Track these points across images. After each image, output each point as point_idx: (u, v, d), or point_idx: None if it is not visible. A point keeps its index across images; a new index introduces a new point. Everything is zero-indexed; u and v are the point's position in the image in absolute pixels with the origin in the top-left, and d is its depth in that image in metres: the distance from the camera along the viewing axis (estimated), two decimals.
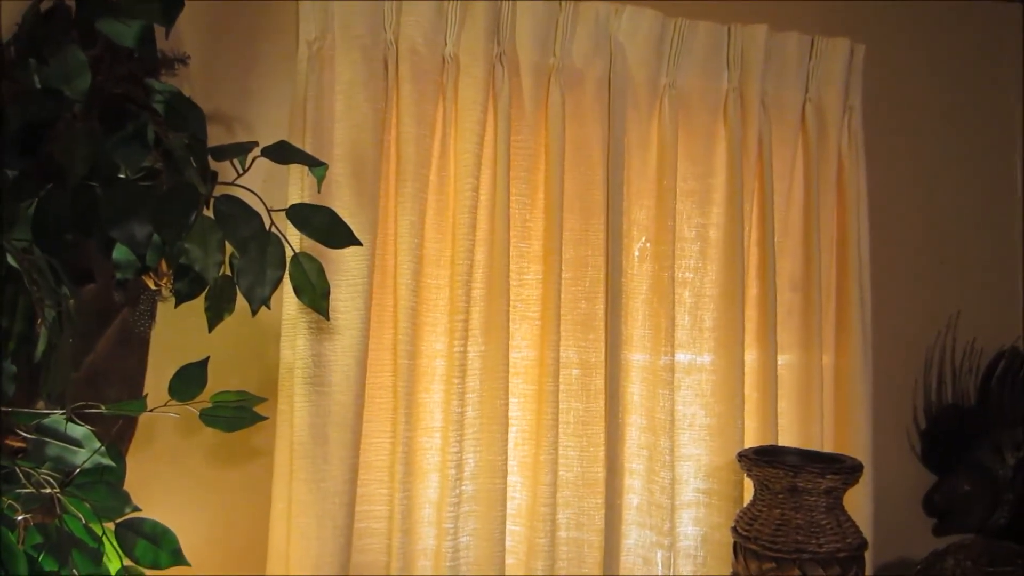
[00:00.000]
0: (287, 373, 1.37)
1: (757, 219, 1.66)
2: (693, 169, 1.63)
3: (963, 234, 1.96)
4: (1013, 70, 2.03)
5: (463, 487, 1.41)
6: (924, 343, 1.91)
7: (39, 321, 0.91)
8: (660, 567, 1.53)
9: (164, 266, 1.24)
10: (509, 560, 1.45)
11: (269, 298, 0.98)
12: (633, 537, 1.56)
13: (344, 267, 1.35)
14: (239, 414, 1.17)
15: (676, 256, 1.59)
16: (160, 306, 1.36)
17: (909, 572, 1.67)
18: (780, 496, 1.30)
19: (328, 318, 1.08)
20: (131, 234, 0.88)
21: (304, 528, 1.31)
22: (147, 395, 1.22)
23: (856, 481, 1.32)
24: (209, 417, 1.16)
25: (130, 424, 1.34)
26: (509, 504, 1.45)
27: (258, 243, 0.93)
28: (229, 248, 1.03)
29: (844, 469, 1.29)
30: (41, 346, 0.91)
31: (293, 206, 1.03)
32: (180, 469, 1.40)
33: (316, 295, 1.04)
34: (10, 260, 0.89)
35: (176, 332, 1.31)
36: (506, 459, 1.41)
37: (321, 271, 1.04)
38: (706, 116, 1.63)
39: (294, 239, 1.17)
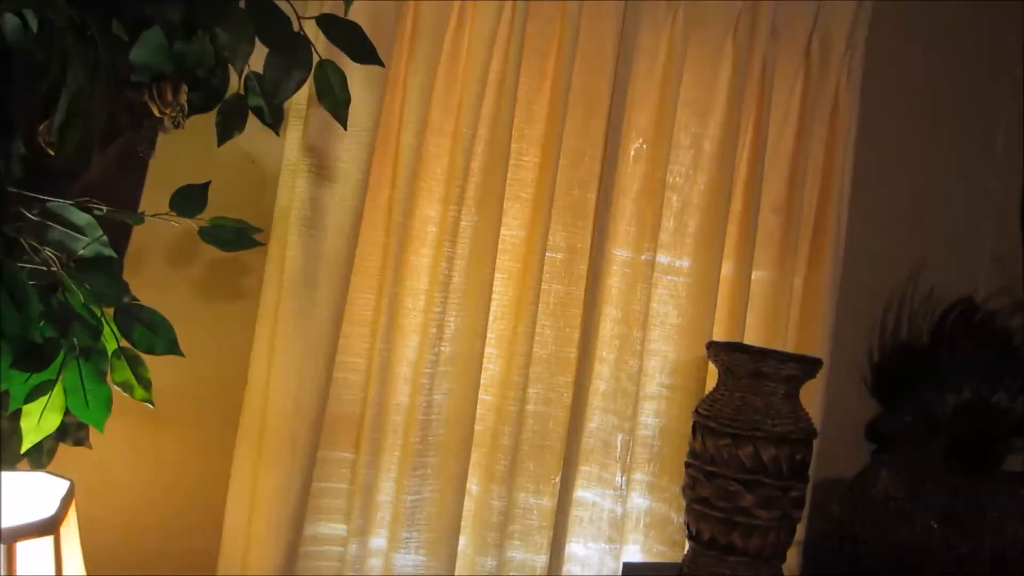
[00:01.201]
0: (282, 216, 1.39)
1: (751, 139, 1.71)
2: (697, 81, 1.68)
3: (939, 188, 2.05)
4: (1013, 41, 2.11)
5: (442, 347, 1.46)
6: (888, 283, 2.00)
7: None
8: (619, 450, 1.60)
9: (169, 95, 1.25)
10: (478, 427, 1.50)
11: (291, 95, 1.01)
12: (597, 421, 1.63)
13: (351, 120, 1.36)
14: (237, 236, 1.19)
15: (669, 161, 1.64)
16: (160, 139, 1.37)
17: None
18: (743, 380, 1.37)
19: (346, 127, 1.10)
20: (164, 13, 0.89)
21: (286, 365, 1.34)
22: (143, 212, 1.23)
23: (815, 374, 1.40)
24: (208, 234, 1.18)
25: (120, 245, 1.36)
26: (483, 374, 1.50)
27: (287, 41, 0.95)
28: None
29: (806, 359, 1.37)
30: (60, 114, 0.92)
31: (323, 15, 1.04)
32: (166, 300, 1.41)
33: (337, 102, 1.06)
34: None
35: (175, 163, 1.32)
36: (486, 325, 1.46)
37: (344, 82, 1.06)
38: (717, 32, 1.67)
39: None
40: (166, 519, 1.39)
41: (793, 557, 1.71)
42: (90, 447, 1.17)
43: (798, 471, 1.36)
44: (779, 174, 1.76)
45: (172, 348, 1.03)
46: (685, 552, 1.48)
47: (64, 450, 1.15)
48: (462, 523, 1.48)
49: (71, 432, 1.17)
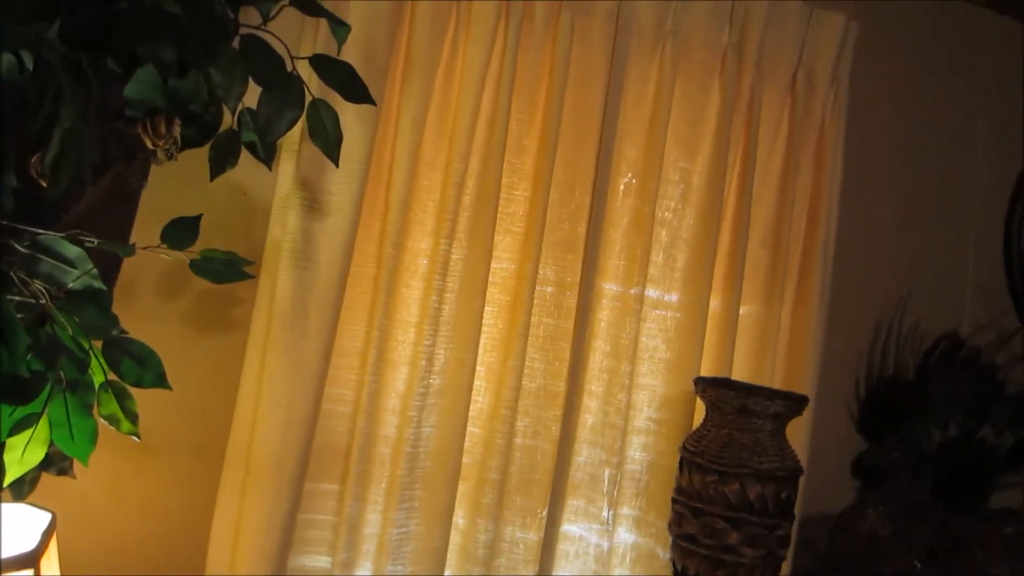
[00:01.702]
0: (273, 249, 1.39)
1: (739, 172, 1.73)
2: (685, 115, 1.70)
3: (924, 223, 2.09)
4: (990, 79, 2.15)
5: (431, 380, 1.46)
6: (874, 318, 2.02)
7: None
8: (606, 484, 1.60)
9: (163, 128, 1.26)
10: (465, 460, 1.50)
11: (284, 134, 1.02)
12: (584, 455, 1.63)
13: (343, 155, 1.37)
14: (228, 268, 1.20)
15: (658, 195, 1.66)
16: (153, 171, 1.38)
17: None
18: (730, 417, 1.38)
19: (338, 165, 1.11)
20: (157, 53, 0.90)
21: (275, 396, 1.34)
22: (134, 244, 1.24)
23: (801, 412, 1.41)
24: (199, 267, 1.18)
25: (111, 277, 1.36)
26: (472, 407, 1.50)
27: (280, 81, 0.96)
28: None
29: (792, 396, 1.38)
30: (54, 149, 0.93)
31: (316, 55, 1.05)
32: (155, 332, 1.41)
33: (329, 140, 1.07)
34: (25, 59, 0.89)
35: (167, 195, 1.33)
36: (475, 358, 1.47)
37: (336, 120, 1.07)
38: (703, 67, 1.70)
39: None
40: (149, 550, 1.38)
41: None
42: (74, 477, 1.17)
43: (784, 509, 1.36)
44: (766, 208, 1.78)
45: (160, 381, 1.03)
46: None
47: (47, 480, 1.14)
48: (448, 556, 1.47)
49: (55, 462, 1.16)
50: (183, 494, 1.40)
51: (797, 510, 1.64)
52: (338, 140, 1.07)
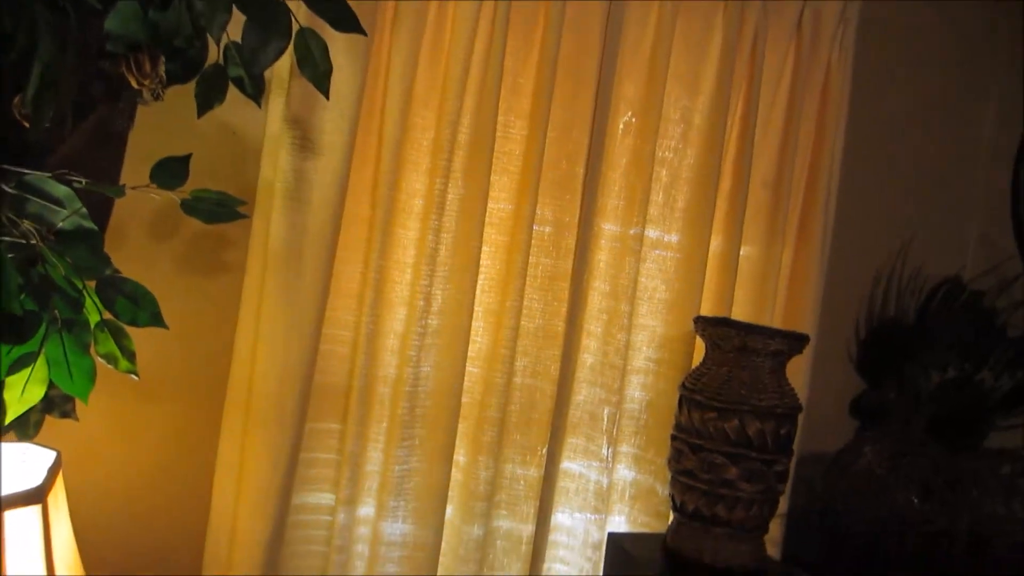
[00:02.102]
0: (266, 189, 1.38)
1: (741, 112, 1.70)
2: (686, 54, 1.66)
3: (930, 166, 2.06)
4: (1000, 22, 2.10)
5: (429, 320, 1.46)
6: (876, 261, 2.01)
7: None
8: (605, 422, 1.61)
9: (147, 65, 1.23)
10: (465, 399, 1.51)
11: (270, 64, 0.99)
12: (583, 394, 1.64)
13: (334, 91, 1.35)
14: (219, 208, 1.18)
15: (659, 135, 1.63)
16: (140, 111, 1.36)
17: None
18: (729, 355, 1.38)
19: (328, 97, 1.09)
20: None
21: (272, 337, 1.34)
22: (124, 184, 1.22)
23: (801, 350, 1.40)
24: (190, 207, 1.17)
25: (102, 220, 1.35)
26: (471, 347, 1.50)
27: (266, 9, 0.93)
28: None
29: (792, 335, 1.38)
30: (33, 85, 0.91)
31: None
32: (149, 275, 1.41)
33: (319, 72, 1.05)
34: None
35: (155, 136, 1.31)
36: (473, 298, 1.46)
37: (326, 50, 1.05)
38: (707, 4, 1.65)
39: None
40: (153, 491, 1.40)
41: (775, 529, 1.73)
42: (76, 419, 1.17)
43: (783, 445, 1.37)
44: (769, 149, 1.75)
45: (155, 320, 1.03)
46: (669, 523, 1.50)
47: (51, 423, 1.15)
48: (449, 493, 1.49)
49: (57, 405, 1.17)
50: (186, 434, 1.41)
51: (795, 449, 1.66)
52: (327, 71, 1.05)
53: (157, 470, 1.40)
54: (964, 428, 1.86)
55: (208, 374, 1.41)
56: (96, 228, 1.04)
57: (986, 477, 1.59)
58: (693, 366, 1.60)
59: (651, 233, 1.67)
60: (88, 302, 1.02)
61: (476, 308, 1.50)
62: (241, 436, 1.36)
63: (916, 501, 1.48)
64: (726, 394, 1.34)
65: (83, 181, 1.08)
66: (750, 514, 1.35)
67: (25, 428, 1.14)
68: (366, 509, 1.47)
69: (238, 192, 1.33)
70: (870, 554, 1.59)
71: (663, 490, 1.62)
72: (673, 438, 1.44)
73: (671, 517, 1.51)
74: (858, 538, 1.60)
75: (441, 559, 1.50)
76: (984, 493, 1.56)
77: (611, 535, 1.56)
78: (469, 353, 1.50)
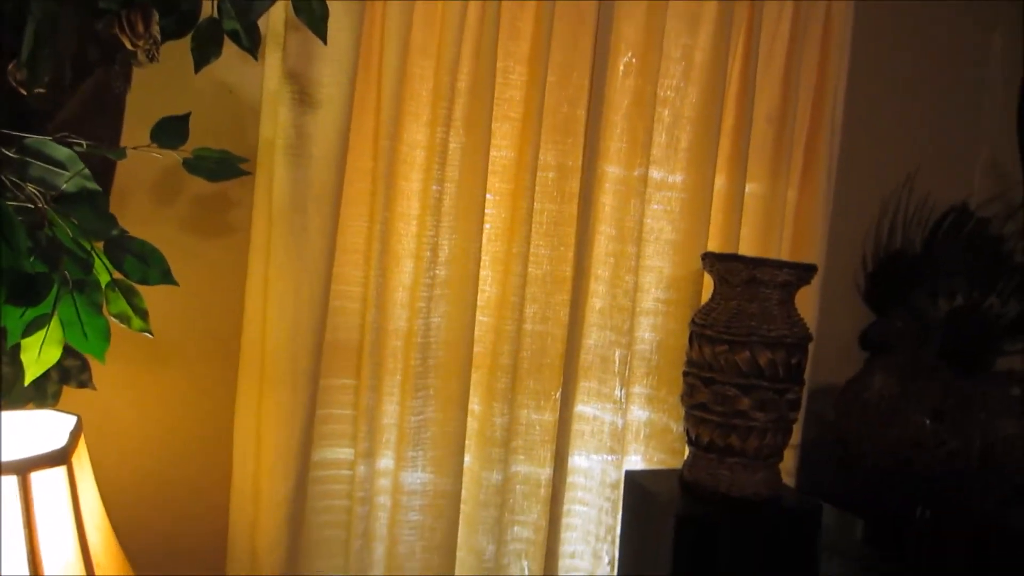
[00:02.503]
0: (266, 146, 1.37)
1: (743, 47, 1.68)
2: None
3: (935, 95, 2.04)
4: None
5: (437, 271, 1.46)
6: (882, 193, 2.00)
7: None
8: (617, 364, 1.62)
9: (140, 25, 1.22)
10: (477, 348, 1.52)
11: (265, 11, 0.98)
12: (594, 337, 1.64)
13: (330, 42, 1.34)
14: (222, 166, 1.18)
15: (660, 74, 1.62)
16: (136, 74, 1.34)
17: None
18: (738, 288, 1.38)
19: (326, 41, 1.08)
20: None
21: (282, 295, 1.34)
22: (125, 147, 1.22)
23: (809, 280, 1.40)
24: (192, 165, 1.17)
25: (105, 183, 1.34)
26: (480, 296, 1.51)
27: None
28: None
29: (800, 265, 1.38)
30: (28, 44, 0.90)
31: None
32: (154, 237, 1.41)
33: (315, 16, 1.03)
34: None
35: (153, 98, 1.30)
36: (480, 247, 1.46)
37: None
38: None
39: None
40: (173, 454, 1.42)
41: (790, 460, 1.75)
42: (94, 388, 1.18)
43: (794, 374, 1.38)
44: (772, 83, 1.74)
45: (166, 278, 1.03)
46: (685, 458, 1.52)
47: (68, 395, 1.16)
48: (466, 441, 1.51)
49: (74, 375, 1.18)
50: (202, 397, 1.43)
51: (807, 381, 1.67)
52: (324, 15, 1.04)
53: (175, 435, 1.42)
54: (973, 355, 1.87)
55: (220, 336, 1.42)
56: (100, 189, 1.04)
57: (996, 399, 1.61)
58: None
59: (655, 174, 1.66)
60: (97, 263, 1.02)
61: (483, 257, 1.51)
62: (257, 396, 1.37)
63: (928, 423, 1.49)
64: (736, 327, 1.34)
65: (84, 144, 1.08)
66: (764, 443, 1.36)
67: (43, 399, 1.15)
68: (385, 461, 1.49)
69: (239, 150, 1.32)
70: (884, 479, 1.61)
71: (677, 428, 1.64)
72: (685, 374, 1.45)
73: (687, 452, 1.53)
74: (871, 464, 1.62)
75: (462, 507, 1.52)
76: (993, 413, 1.57)
77: (628, 473, 1.57)
78: (478, 302, 1.50)
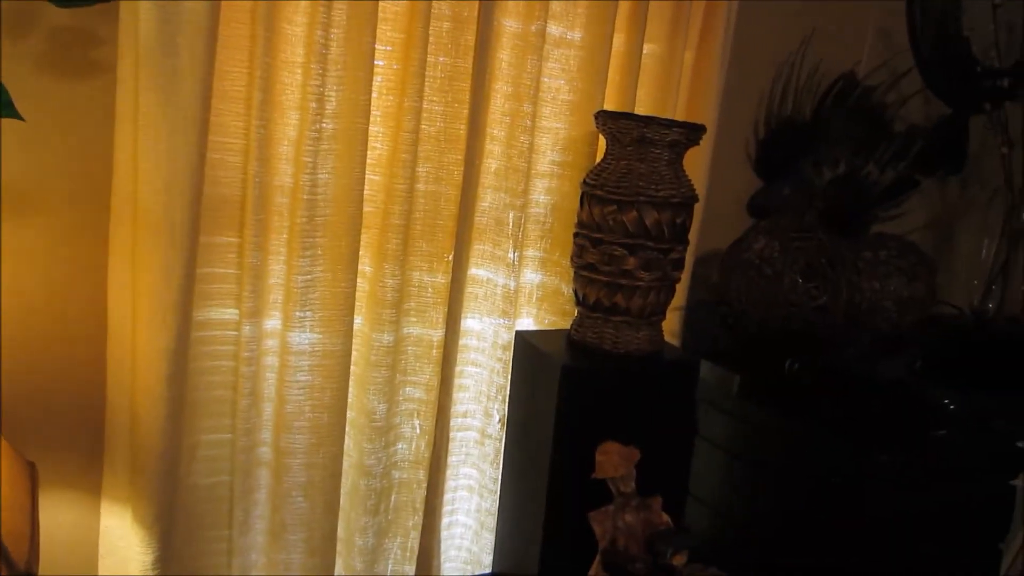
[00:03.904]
0: None
1: None
2: None
3: None
4: None
5: (323, 124, 1.39)
6: (778, 59, 2.01)
7: None
8: (511, 227, 1.62)
9: None
10: (367, 208, 1.48)
11: None
12: (488, 200, 1.63)
13: None
14: None
15: None
16: None
17: None
18: (628, 148, 1.38)
19: None
20: None
21: (153, 143, 1.25)
22: None
23: (698, 141, 1.42)
24: None
25: None
26: (370, 154, 1.45)
27: None
28: None
29: (689, 125, 1.38)
30: None
31: None
32: (7, 79, 1.28)
33: None
34: None
35: None
36: (369, 99, 1.39)
37: None
38: None
39: None
40: (47, 313, 1.34)
41: (675, 321, 1.83)
42: None
43: (678, 234, 1.41)
44: None
45: (7, 110, 0.94)
46: (574, 318, 1.56)
47: None
48: (357, 303, 1.49)
49: None
50: (74, 253, 1.34)
51: (693, 246, 1.72)
52: None
53: (48, 292, 1.34)
54: (849, 219, 1.96)
55: (89, 186, 1.32)
56: None
57: (865, 259, 1.70)
58: None
59: (553, 30, 1.61)
60: None
61: (373, 112, 1.44)
62: (131, 252, 1.30)
63: (800, 281, 1.57)
64: (625, 187, 1.35)
65: None
66: (647, 302, 1.41)
67: None
68: (272, 321, 1.46)
69: None
70: (761, 336, 1.71)
71: (568, 290, 1.67)
72: (575, 235, 1.47)
73: (576, 312, 1.57)
74: (750, 322, 1.70)
75: (352, 368, 1.52)
76: (862, 273, 1.67)
77: (518, 333, 1.61)
78: (369, 160, 1.45)
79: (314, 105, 1.36)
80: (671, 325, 1.78)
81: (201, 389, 1.43)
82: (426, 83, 1.46)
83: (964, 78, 2.25)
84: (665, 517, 1.44)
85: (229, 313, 1.44)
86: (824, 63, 2.04)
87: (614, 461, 1.37)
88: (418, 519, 1.64)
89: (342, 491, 1.55)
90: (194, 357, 1.40)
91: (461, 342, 1.67)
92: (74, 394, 1.38)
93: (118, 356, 1.34)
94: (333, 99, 1.39)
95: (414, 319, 1.59)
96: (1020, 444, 1.65)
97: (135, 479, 1.34)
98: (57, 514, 1.39)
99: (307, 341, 1.45)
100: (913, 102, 2.22)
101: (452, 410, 1.69)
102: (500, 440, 1.69)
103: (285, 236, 1.43)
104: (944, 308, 2.20)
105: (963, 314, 2.27)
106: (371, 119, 1.43)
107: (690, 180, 1.44)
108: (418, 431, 1.62)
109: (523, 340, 1.57)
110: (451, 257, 1.57)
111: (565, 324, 1.69)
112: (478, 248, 1.65)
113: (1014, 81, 2.17)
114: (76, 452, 1.40)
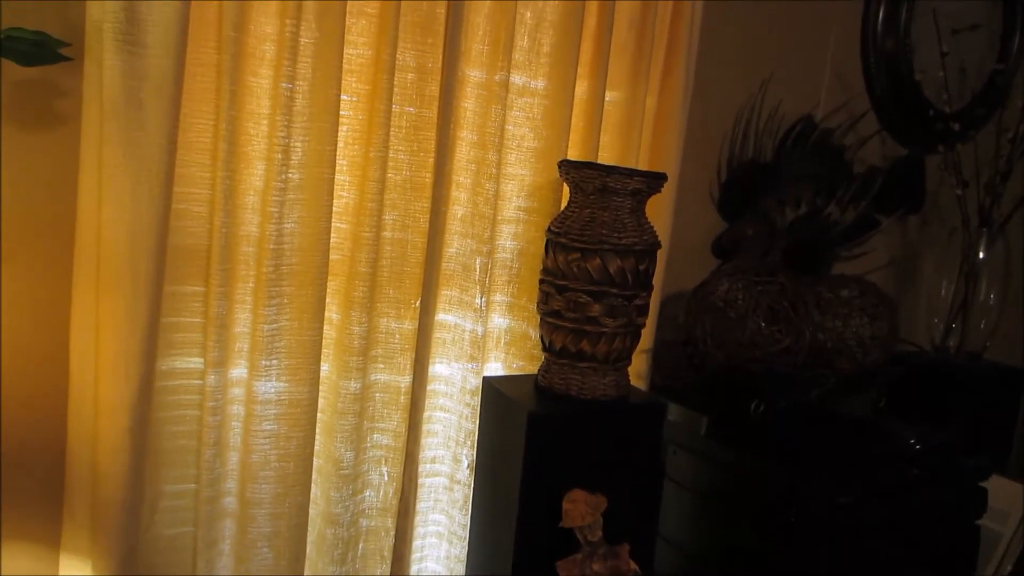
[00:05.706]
0: (94, 31, 1.24)
1: None
2: None
3: (788, 5, 2.09)
4: None
5: (290, 174, 1.40)
6: (738, 104, 2.06)
7: None
8: (478, 272, 1.63)
9: None
10: (334, 256, 1.48)
11: None
12: (455, 246, 1.64)
13: None
14: (37, 49, 1.07)
15: None
16: None
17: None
18: (591, 196, 1.40)
19: None
20: None
21: (117, 193, 1.25)
22: None
23: (659, 188, 1.45)
24: (3, 47, 1.05)
25: None
26: (336, 203, 1.46)
27: None
28: None
29: (650, 174, 1.41)
30: None
31: None
32: None
33: None
34: None
35: None
36: (335, 149, 1.41)
37: None
38: None
39: None
40: (7, 360, 1.33)
41: (642, 364, 1.84)
42: None
43: (642, 281, 1.43)
44: None
45: None
46: (540, 364, 1.57)
47: None
48: (324, 350, 1.49)
49: None
50: (35, 303, 1.33)
51: (659, 289, 1.75)
52: None
53: (9, 343, 1.32)
54: (812, 259, 2.00)
55: (52, 237, 1.32)
56: None
57: (827, 299, 1.74)
58: None
59: (516, 79, 1.64)
60: None
61: (340, 161, 1.45)
62: (94, 302, 1.29)
63: (763, 324, 1.60)
64: (588, 235, 1.37)
65: None
66: (613, 347, 1.42)
67: None
68: (238, 371, 1.45)
69: (62, 34, 1.20)
70: (727, 378, 1.72)
71: (536, 334, 1.68)
72: (541, 282, 1.48)
73: (543, 358, 1.57)
74: (716, 364, 1.72)
75: (319, 415, 1.52)
76: (825, 313, 1.70)
77: (486, 379, 1.61)
78: (335, 208, 1.46)
79: (280, 156, 1.37)
80: (638, 367, 1.80)
81: (165, 439, 1.42)
82: (391, 132, 1.48)
83: (917, 120, 2.32)
84: (633, 565, 1.44)
85: (194, 362, 1.43)
86: (783, 105, 2.10)
87: (581, 510, 1.37)
88: (386, 567, 1.63)
89: (309, 540, 1.54)
90: (158, 407, 1.38)
91: (429, 388, 1.67)
92: (34, 447, 1.35)
93: (79, 407, 1.32)
94: (299, 149, 1.40)
95: (382, 365, 1.59)
96: (983, 484, 1.68)
97: (95, 531, 1.32)
98: (15, 568, 1.36)
99: (273, 390, 1.45)
100: (872, 143, 2.28)
101: (420, 456, 1.68)
102: (469, 486, 1.68)
103: (251, 285, 1.43)
104: (906, 346, 2.24)
105: (925, 352, 2.32)
106: (337, 168, 1.44)
107: (652, 227, 1.47)
108: (386, 478, 1.61)
109: (490, 386, 1.57)
110: (418, 303, 1.58)
111: (533, 368, 1.70)
112: (445, 294, 1.66)
113: (964, 125, 2.24)
114: (36, 505, 1.37)
